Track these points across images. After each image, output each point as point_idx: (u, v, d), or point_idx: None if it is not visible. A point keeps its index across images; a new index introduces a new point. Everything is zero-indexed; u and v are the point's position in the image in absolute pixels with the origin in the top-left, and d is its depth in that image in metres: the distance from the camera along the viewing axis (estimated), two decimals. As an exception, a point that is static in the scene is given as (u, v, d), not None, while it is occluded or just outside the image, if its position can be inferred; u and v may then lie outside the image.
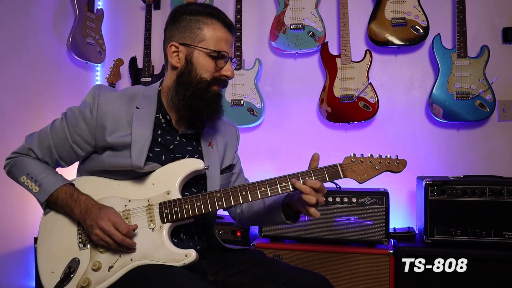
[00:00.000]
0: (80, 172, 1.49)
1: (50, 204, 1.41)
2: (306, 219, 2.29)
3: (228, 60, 1.40)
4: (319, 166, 1.35)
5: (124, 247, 1.30)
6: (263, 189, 1.33)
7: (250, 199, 1.33)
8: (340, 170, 1.33)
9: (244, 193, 1.33)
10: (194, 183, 1.45)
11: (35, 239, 2.48)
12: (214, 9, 1.41)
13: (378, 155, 1.36)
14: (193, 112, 1.39)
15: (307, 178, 1.30)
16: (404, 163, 1.35)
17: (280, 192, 1.32)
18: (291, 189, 1.32)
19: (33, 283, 2.63)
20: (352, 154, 1.35)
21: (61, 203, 1.37)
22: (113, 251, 1.32)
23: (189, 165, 1.39)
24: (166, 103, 1.43)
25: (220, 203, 1.33)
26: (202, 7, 1.40)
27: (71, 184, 1.41)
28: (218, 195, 1.34)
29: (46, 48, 2.85)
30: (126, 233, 1.29)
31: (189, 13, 1.39)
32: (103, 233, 1.29)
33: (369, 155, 1.36)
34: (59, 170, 1.49)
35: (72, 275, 1.32)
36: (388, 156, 1.36)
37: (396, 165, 1.35)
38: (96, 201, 1.36)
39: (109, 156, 1.38)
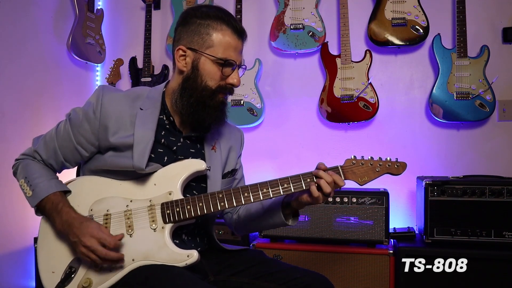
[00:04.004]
0: (82, 171, 1.48)
1: (40, 211, 1.40)
2: (306, 219, 2.29)
3: (236, 68, 1.38)
4: None
5: (108, 261, 1.27)
6: (265, 190, 1.33)
7: (252, 200, 1.33)
8: (341, 172, 1.35)
9: (246, 194, 1.33)
10: (196, 186, 1.44)
11: (35, 239, 2.47)
12: (226, 13, 1.38)
13: (378, 158, 1.38)
14: (195, 119, 1.39)
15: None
16: (404, 165, 1.38)
17: (282, 193, 1.33)
18: (292, 190, 1.33)
19: (33, 283, 2.62)
20: (352, 156, 1.37)
21: (47, 212, 1.36)
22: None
23: (191, 165, 1.38)
24: (170, 105, 1.43)
25: (222, 204, 1.33)
26: (214, 11, 1.37)
27: (63, 192, 1.39)
28: (220, 196, 1.33)
29: (46, 48, 2.84)
30: (113, 247, 1.26)
31: (200, 16, 1.36)
32: (87, 250, 1.26)
33: (369, 157, 1.38)
34: (65, 171, 1.50)
35: (73, 275, 1.31)
36: (388, 158, 1.38)
37: (396, 168, 1.37)
38: (78, 214, 1.34)
39: (112, 156, 1.37)
